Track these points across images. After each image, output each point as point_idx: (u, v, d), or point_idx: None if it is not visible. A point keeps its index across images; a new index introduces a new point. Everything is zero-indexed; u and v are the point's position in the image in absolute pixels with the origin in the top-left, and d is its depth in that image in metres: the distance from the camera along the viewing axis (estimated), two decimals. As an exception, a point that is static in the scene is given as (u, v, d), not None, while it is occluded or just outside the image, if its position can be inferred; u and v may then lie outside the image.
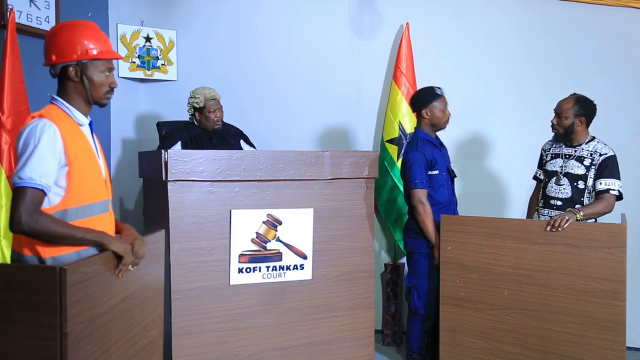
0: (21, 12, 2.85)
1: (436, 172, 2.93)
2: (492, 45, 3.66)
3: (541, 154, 3.01)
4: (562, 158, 2.83)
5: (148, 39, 3.81)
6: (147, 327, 2.01)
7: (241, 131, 3.40)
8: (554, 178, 2.83)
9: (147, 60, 3.82)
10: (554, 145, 2.92)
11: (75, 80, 1.78)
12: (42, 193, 1.63)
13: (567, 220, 2.51)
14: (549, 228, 2.53)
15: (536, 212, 2.94)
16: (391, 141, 3.64)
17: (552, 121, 2.83)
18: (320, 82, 3.84)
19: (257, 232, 2.65)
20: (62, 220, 1.68)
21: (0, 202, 2.50)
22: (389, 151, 3.63)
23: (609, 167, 2.70)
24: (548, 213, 2.82)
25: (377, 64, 3.80)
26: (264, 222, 2.67)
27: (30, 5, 2.93)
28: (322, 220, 2.78)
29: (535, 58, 3.60)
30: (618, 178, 2.70)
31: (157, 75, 3.85)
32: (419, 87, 3.63)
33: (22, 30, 2.82)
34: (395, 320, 3.66)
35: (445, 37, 3.72)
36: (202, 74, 3.84)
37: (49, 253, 1.69)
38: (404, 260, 3.81)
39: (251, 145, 3.38)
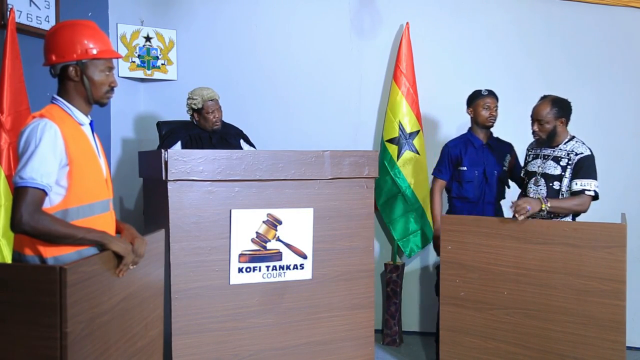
0: (21, 11, 2.85)
1: (464, 168, 3.11)
2: (492, 44, 3.67)
3: (526, 153, 3.00)
4: (541, 159, 2.82)
5: (148, 38, 3.81)
6: (147, 327, 2.01)
7: (241, 131, 3.40)
8: (533, 179, 2.82)
9: (147, 59, 3.81)
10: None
11: (75, 80, 1.78)
12: (43, 193, 1.63)
13: (528, 211, 2.55)
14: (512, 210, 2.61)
15: None
16: (391, 141, 3.64)
17: (533, 129, 2.76)
18: (320, 82, 3.84)
19: (257, 232, 2.65)
20: (63, 220, 1.68)
21: (-1, 202, 2.51)
22: (389, 151, 3.63)
23: (584, 167, 2.66)
24: None
25: (377, 64, 3.80)
26: (264, 222, 2.66)
27: (30, 5, 2.93)
28: (322, 220, 2.77)
29: (536, 57, 3.60)
30: (594, 178, 2.66)
31: (157, 75, 3.85)
32: (419, 86, 3.65)
33: (22, 29, 2.82)
34: (395, 320, 3.65)
35: (445, 37, 3.72)
36: (202, 73, 3.84)
37: (50, 253, 1.69)
38: (404, 259, 3.82)
39: (251, 145, 3.38)
